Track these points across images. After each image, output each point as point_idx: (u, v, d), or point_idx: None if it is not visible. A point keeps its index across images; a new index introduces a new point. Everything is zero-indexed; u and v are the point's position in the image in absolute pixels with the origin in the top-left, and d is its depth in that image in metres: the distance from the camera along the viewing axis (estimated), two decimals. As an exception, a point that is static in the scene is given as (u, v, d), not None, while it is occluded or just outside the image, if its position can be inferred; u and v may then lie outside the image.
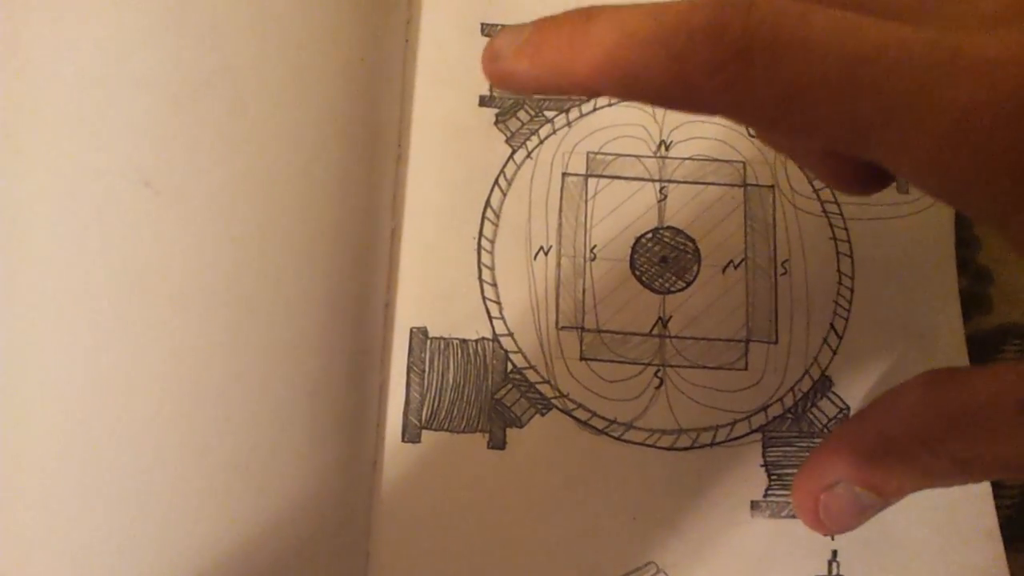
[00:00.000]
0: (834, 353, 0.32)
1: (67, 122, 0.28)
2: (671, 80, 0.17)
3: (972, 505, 0.30)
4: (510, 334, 0.32)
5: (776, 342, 0.32)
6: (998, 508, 0.30)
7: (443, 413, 0.31)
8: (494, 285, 0.32)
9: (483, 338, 0.32)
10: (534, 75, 0.19)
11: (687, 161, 0.34)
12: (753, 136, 0.34)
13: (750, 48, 0.16)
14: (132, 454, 0.28)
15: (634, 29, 0.17)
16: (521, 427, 0.31)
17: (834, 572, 0.30)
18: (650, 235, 0.33)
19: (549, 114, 0.34)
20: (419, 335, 0.32)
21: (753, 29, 0.16)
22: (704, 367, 0.32)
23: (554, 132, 0.34)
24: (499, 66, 0.19)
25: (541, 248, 0.33)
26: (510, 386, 0.32)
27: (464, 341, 0.32)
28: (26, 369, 0.28)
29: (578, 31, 0.18)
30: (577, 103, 0.34)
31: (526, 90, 0.20)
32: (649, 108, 0.34)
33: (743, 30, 0.16)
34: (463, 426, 0.31)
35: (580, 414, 0.31)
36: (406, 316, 0.32)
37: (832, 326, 0.32)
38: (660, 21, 0.17)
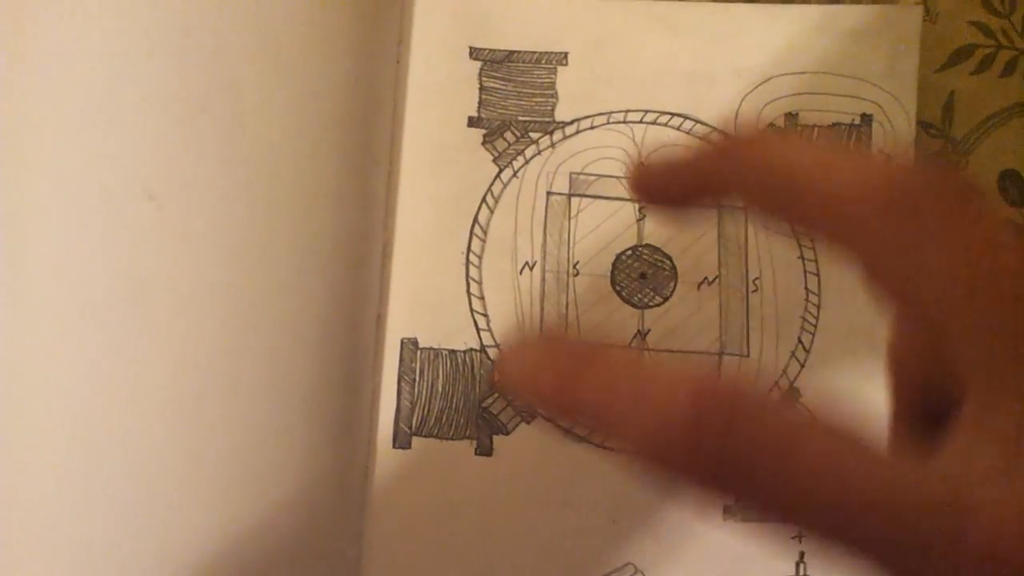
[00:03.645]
0: (802, 366, 0.34)
1: (72, 136, 0.29)
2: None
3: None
4: (497, 345, 0.33)
5: (748, 355, 0.34)
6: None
7: (432, 420, 0.33)
8: (481, 298, 0.34)
9: (471, 349, 0.33)
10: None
11: (664, 182, 0.35)
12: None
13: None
14: (131, 459, 0.29)
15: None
16: (507, 434, 0.33)
17: (801, 573, 0.32)
18: (630, 252, 0.35)
19: (534, 135, 0.36)
20: (410, 345, 0.33)
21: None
22: (680, 378, 0.33)
23: (539, 153, 0.36)
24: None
25: (526, 263, 0.34)
26: (496, 395, 0.33)
27: (453, 352, 0.33)
28: (31, 378, 0.28)
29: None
30: (560, 125, 0.36)
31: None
32: (629, 132, 0.36)
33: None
34: (452, 433, 0.33)
35: (563, 422, 0.33)
36: (397, 327, 0.33)
37: (800, 340, 0.34)
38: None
